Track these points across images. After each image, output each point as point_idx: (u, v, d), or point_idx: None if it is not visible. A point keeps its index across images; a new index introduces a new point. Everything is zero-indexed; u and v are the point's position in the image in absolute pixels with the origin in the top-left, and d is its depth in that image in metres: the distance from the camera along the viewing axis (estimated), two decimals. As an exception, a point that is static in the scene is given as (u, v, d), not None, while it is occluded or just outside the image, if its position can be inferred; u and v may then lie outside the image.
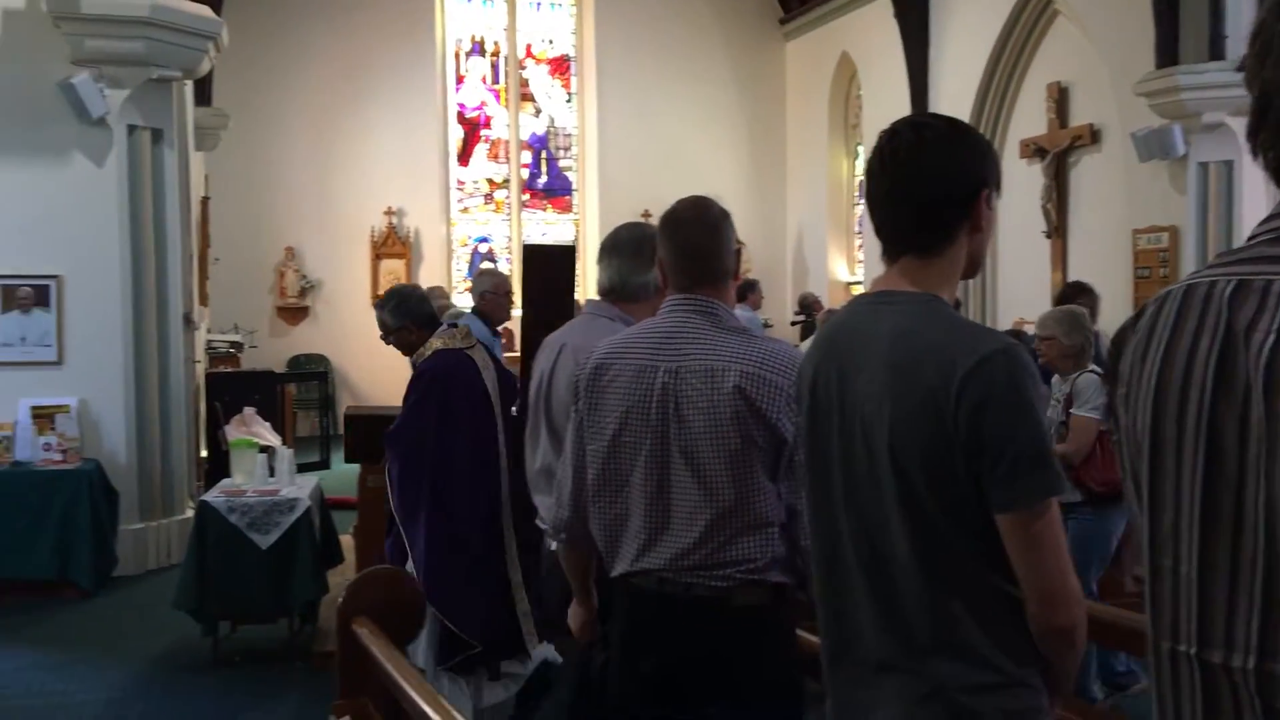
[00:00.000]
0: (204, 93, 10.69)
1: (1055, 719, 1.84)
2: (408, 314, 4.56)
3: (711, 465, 2.37)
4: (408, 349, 4.57)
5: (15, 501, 6.50)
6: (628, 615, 2.50)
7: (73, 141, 7.01)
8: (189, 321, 7.66)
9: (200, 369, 9.11)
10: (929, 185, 1.82)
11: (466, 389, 4.43)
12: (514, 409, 4.56)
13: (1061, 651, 1.76)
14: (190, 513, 7.27)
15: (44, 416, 6.83)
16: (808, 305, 11.80)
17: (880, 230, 1.91)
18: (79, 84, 6.75)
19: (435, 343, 4.52)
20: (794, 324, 12.44)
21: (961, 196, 1.83)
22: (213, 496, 5.37)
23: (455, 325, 4.68)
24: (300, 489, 5.47)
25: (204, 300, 10.38)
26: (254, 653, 5.40)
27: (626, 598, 2.50)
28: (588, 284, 14.50)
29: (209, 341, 11.01)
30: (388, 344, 4.63)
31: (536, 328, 4.82)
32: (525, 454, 3.51)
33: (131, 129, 7.25)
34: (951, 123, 1.89)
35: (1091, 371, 4.73)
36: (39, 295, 6.95)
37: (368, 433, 5.51)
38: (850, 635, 1.86)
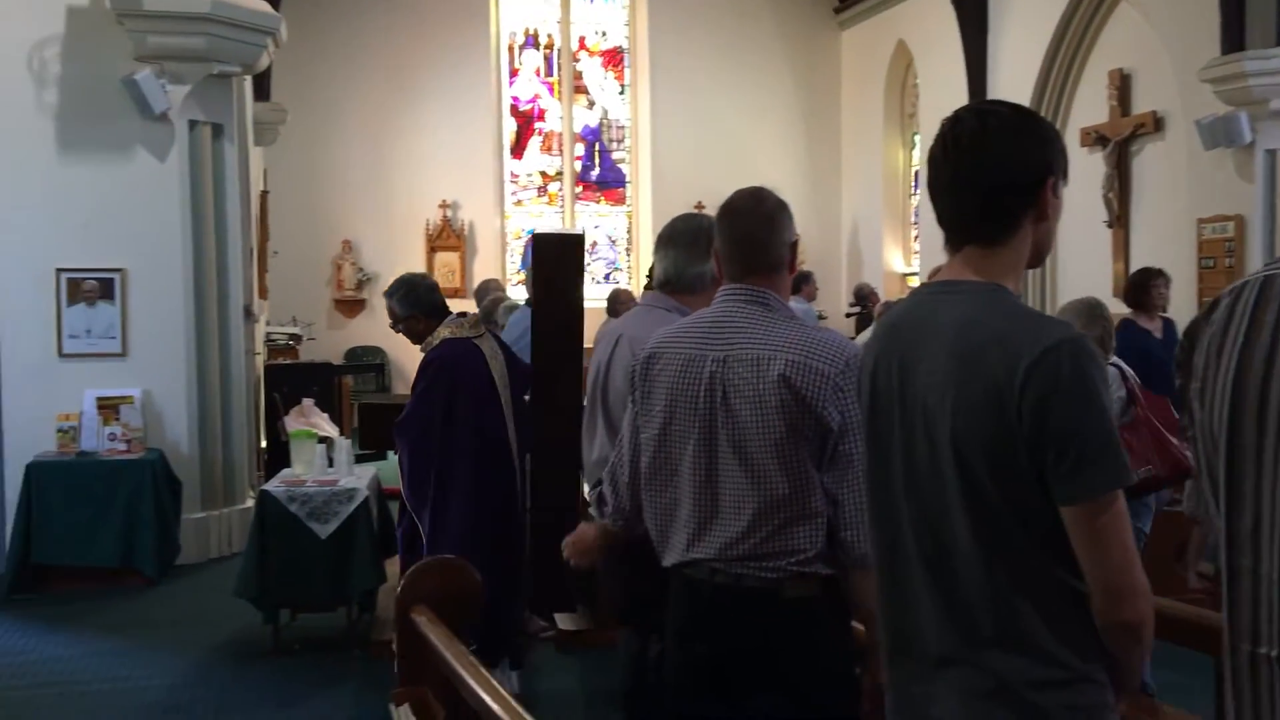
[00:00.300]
0: (263, 88, 10.83)
1: (1120, 716, 1.81)
2: (416, 303, 4.59)
3: (759, 454, 2.36)
4: (416, 338, 4.61)
5: (81, 490, 6.63)
6: (681, 606, 2.50)
7: (136, 137, 7.13)
8: (249, 314, 7.77)
9: (260, 361, 9.24)
10: (993, 172, 1.79)
11: (473, 377, 4.46)
12: (526, 397, 4.58)
13: (1128, 647, 1.72)
14: (251, 502, 7.39)
15: (109, 407, 6.96)
16: (863, 297, 11.71)
17: (943, 219, 1.88)
18: (142, 80, 6.87)
19: (443, 331, 4.55)
20: (849, 315, 12.34)
21: (1027, 184, 1.80)
22: (273, 486, 5.44)
23: (464, 315, 4.69)
24: (358, 479, 5.53)
25: (263, 293, 10.52)
26: (313, 641, 5.46)
27: (680, 588, 2.50)
28: (639, 275, 14.50)
29: (268, 334, 11.17)
30: (397, 332, 4.67)
31: (546, 315, 4.91)
32: (582, 444, 3.51)
33: (193, 124, 7.36)
34: (1016, 109, 1.86)
35: (1111, 365, 4.63)
36: (104, 288, 7.09)
37: (376, 422, 5.55)
38: (909, 628, 1.84)
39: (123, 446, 6.86)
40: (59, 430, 6.84)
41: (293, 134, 12.56)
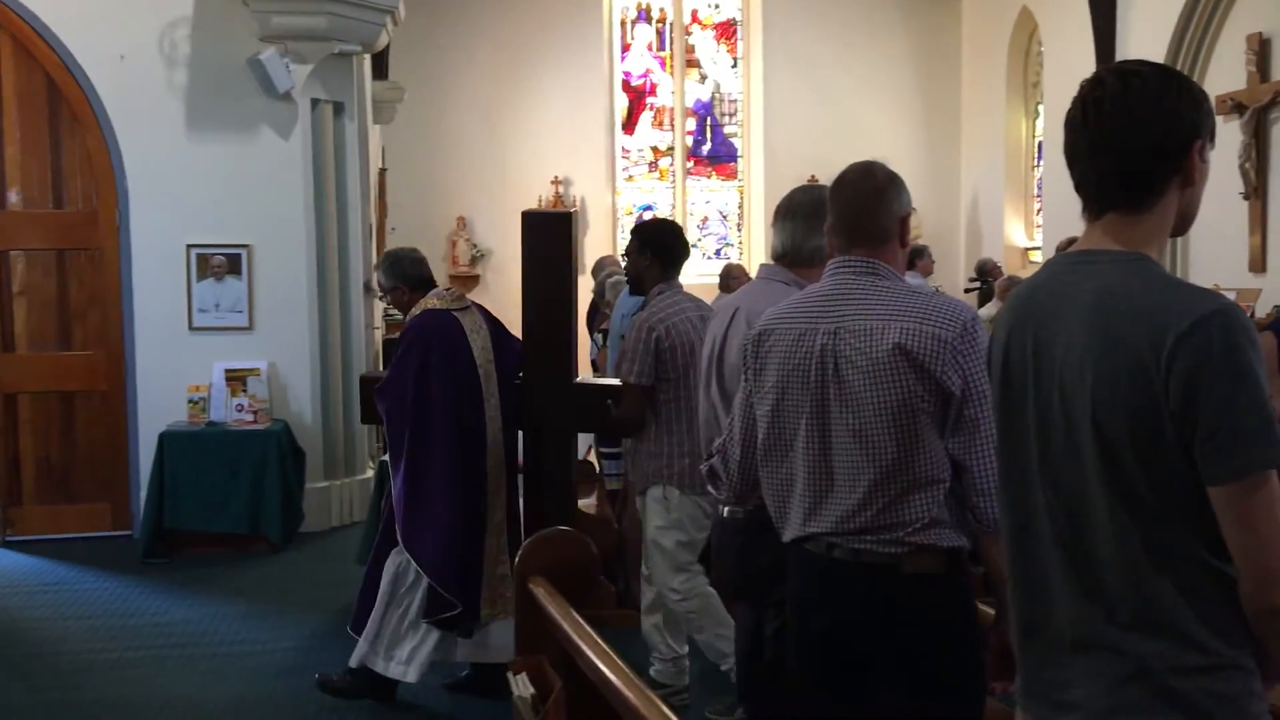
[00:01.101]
0: (381, 67, 11.01)
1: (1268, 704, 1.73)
2: (400, 276, 4.73)
3: (872, 425, 2.34)
4: (403, 309, 4.76)
5: (211, 459, 6.88)
6: (800, 580, 2.49)
7: (261, 116, 7.32)
8: (368, 289, 7.93)
9: (378, 335, 9.44)
10: (1136, 136, 1.71)
11: (450, 348, 4.56)
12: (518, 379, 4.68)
13: (1277, 634, 1.63)
14: (370, 473, 7.58)
15: (236, 379, 7.19)
16: (985, 271, 11.41)
17: (1081, 186, 1.80)
18: (266, 60, 7.04)
19: (427, 303, 4.66)
20: (968, 291, 12.05)
21: (1172, 148, 1.71)
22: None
23: (450, 289, 4.79)
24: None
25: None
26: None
27: (798, 563, 2.49)
28: (750, 251, 14.41)
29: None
30: (384, 303, 4.75)
31: (535, 294, 4.99)
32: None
33: (315, 103, 7.53)
34: (1161, 69, 1.77)
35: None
36: (231, 264, 7.31)
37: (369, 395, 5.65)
38: (1042, 611, 1.79)
39: (249, 417, 7.08)
40: (189, 401, 7.10)
41: (409, 112, 12.75)
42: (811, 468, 2.42)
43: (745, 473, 2.63)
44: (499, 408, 4.64)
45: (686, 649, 4.61)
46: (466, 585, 4.46)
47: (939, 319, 2.34)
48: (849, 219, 2.50)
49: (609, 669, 2.34)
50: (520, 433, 4.81)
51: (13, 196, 7.25)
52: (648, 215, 14.79)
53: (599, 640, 2.52)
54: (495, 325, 4.82)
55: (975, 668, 2.42)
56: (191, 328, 7.30)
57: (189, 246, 7.22)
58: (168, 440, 6.88)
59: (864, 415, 2.35)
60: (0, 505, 7.28)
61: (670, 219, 4.75)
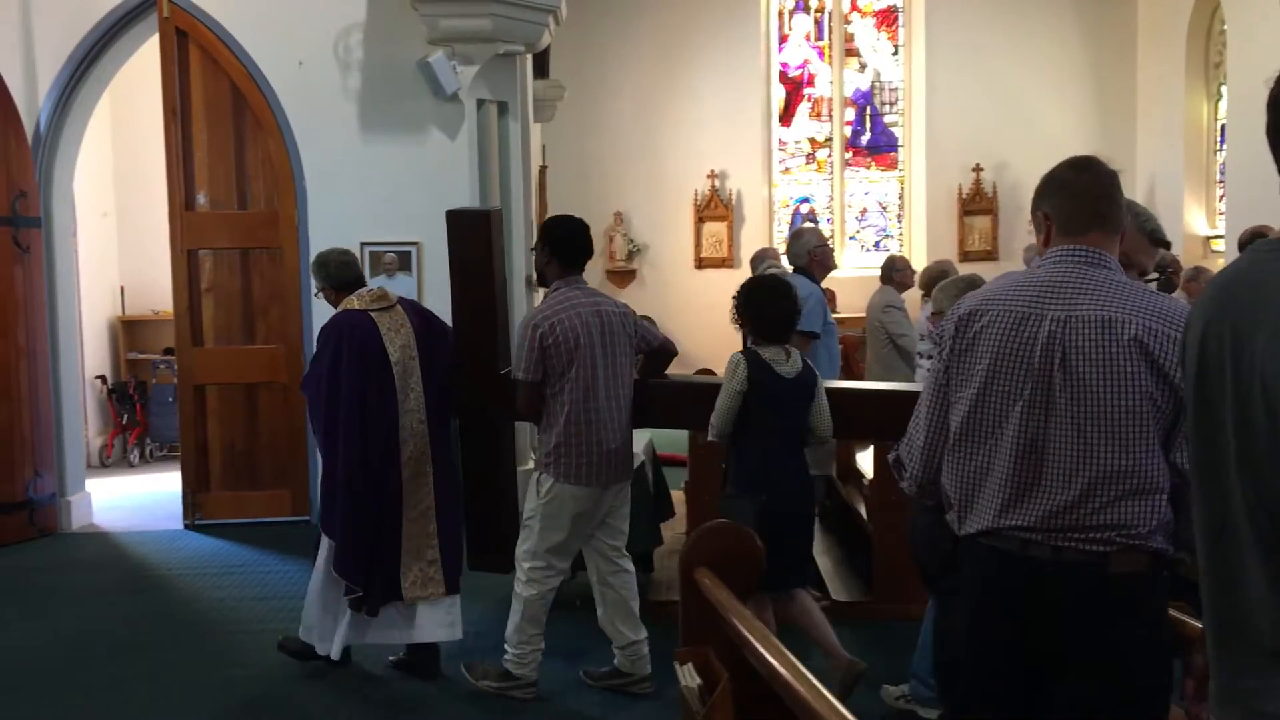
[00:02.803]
0: (542, 66, 11.20)
1: None
2: (325, 277, 5.05)
3: (1100, 421, 2.24)
4: (333, 308, 5.03)
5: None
6: (983, 580, 2.40)
7: (429, 117, 7.56)
8: (530, 284, 8.08)
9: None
10: (1351, 114, 1.60)
11: (360, 346, 4.82)
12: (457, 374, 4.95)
13: None
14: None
15: (409, 372, 7.43)
16: (1164, 265, 10.88)
17: (1287, 168, 1.70)
18: (435, 63, 7.25)
19: (350, 302, 4.95)
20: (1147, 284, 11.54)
21: (1391, 127, 1.60)
22: (554, 449, 5.63)
23: (371, 290, 5.03)
24: (635, 443, 5.64)
25: (542, 264, 10.92)
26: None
27: (979, 561, 2.39)
28: (911, 242, 14.10)
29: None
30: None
31: (461, 286, 5.15)
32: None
33: (480, 103, 7.72)
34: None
35: None
36: (402, 261, 7.57)
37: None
38: (1239, 617, 1.69)
39: (420, 409, 7.29)
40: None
41: (569, 110, 12.96)
42: (1018, 459, 2.31)
43: (929, 460, 2.52)
44: (421, 399, 4.91)
45: (644, 634, 4.74)
46: (371, 570, 4.77)
47: (1177, 321, 2.22)
48: (1090, 203, 2.39)
49: (778, 661, 2.33)
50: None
51: (201, 198, 7.67)
52: (804, 208, 14.66)
53: (767, 632, 2.51)
54: (427, 323, 5.07)
55: (1168, 670, 2.33)
56: (366, 322, 7.58)
57: (363, 244, 7.50)
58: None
59: (1091, 410, 2.25)
60: (189, 490, 7.73)
61: (575, 217, 4.82)
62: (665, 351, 5.00)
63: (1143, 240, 2.68)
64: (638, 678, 4.71)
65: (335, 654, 4.87)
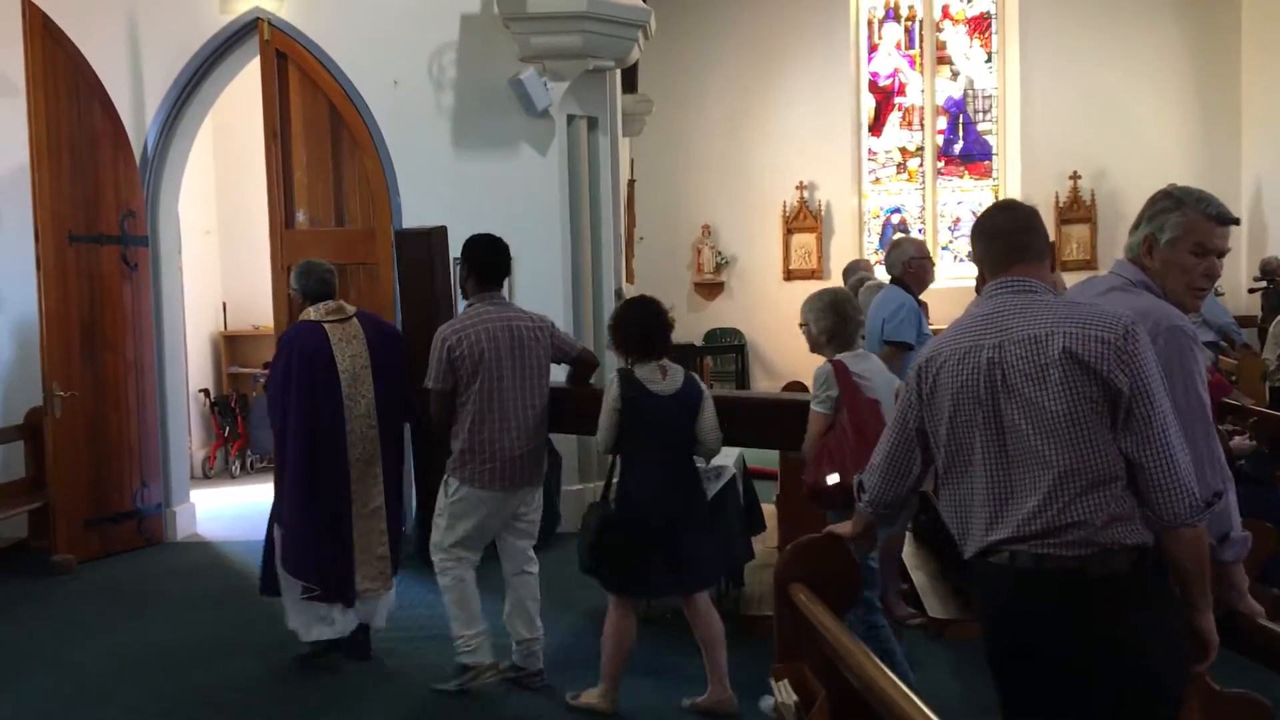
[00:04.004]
0: (630, 80, 11.28)
1: None
2: (303, 286, 5.33)
3: (1046, 428, 2.41)
4: (297, 314, 5.38)
5: (475, 461, 7.21)
6: (984, 596, 2.56)
7: (521, 133, 7.65)
8: (619, 296, 8.12)
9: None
10: None
11: (308, 356, 5.14)
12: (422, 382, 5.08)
13: None
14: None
15: (498, 385, 7.50)
16: (1270, 271, 10.53)
17: None
18: (527, 79, 7.34)
19: (306, 314, 5.27)
20: (1252, 291, 11.17)
21: None
22: (645, 462, 5.65)
23: (329, 303, 5.29)
24: (726, 457, 5.63)
25: (630, 277, 10.99)
26: (682, 612, 5.63)
27: (981, 580, 2.55)
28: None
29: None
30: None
31: (409, 305, 5.43)
32: None
33: (570, 118, 7.79)
34: None
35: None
36: (494, 274, 7.64)
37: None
38: None
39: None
40: (456, 405, 7.47)
41: (657, 123, 13.02)
42: (991, 477, 2.51)
43: (885, 485, 2.84)
44: (372, 405, 5.26)
45: (540, 634, 5.12)
46: (318, 566, 5.17)
47: (1100, 324, 2.42)
48: (1007, 238, 2.64)
49: (876, 677, 2.30)
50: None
51: (300, 216, 7.86)
52: (895, 218, 14.51)
53: (865, 648, 2.48)
54: (381, 334, 5.39)
55: (1178, 658, 2.41)
56: (456, 336, 7.69)
57: (454, 260, 7.59)
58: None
59: (1037, 420, 2.43)
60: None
61: (494, 236, 4.94)
62: (584, 360, 5.31)
63: (1209, 225, 2.74)
64: (530, 672, 5.06)
65: (304, 637, 5.31)
